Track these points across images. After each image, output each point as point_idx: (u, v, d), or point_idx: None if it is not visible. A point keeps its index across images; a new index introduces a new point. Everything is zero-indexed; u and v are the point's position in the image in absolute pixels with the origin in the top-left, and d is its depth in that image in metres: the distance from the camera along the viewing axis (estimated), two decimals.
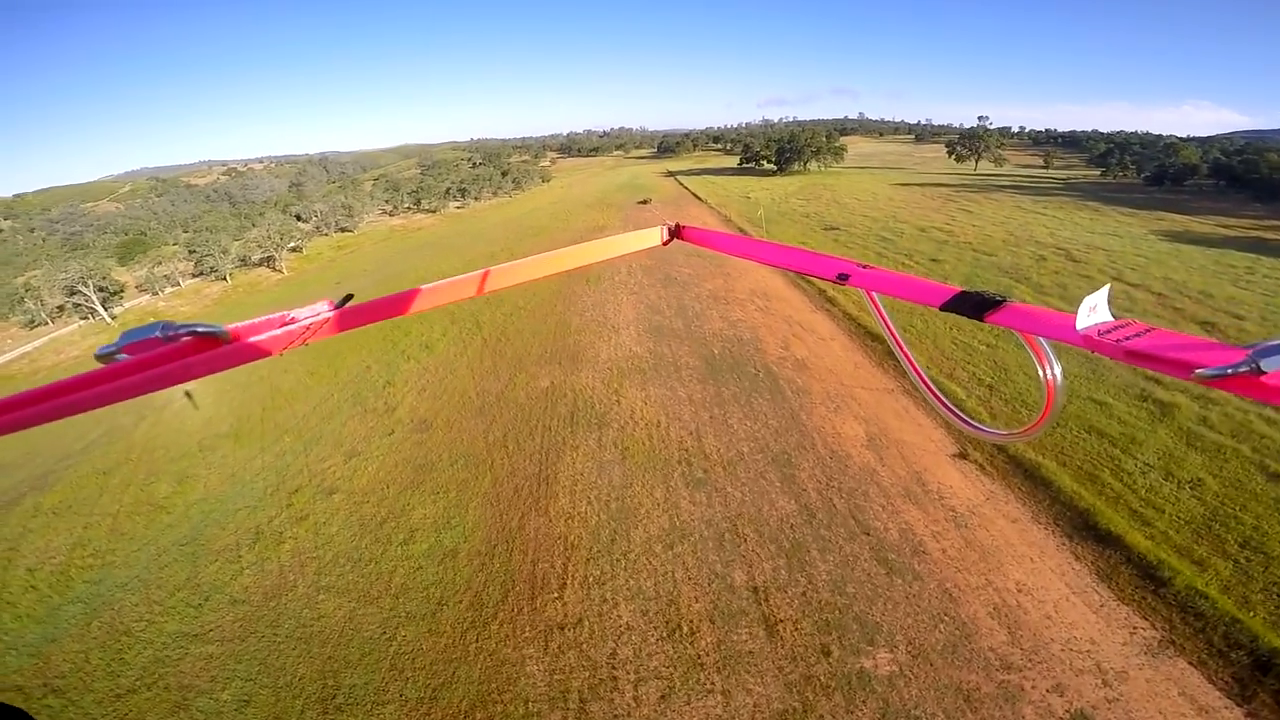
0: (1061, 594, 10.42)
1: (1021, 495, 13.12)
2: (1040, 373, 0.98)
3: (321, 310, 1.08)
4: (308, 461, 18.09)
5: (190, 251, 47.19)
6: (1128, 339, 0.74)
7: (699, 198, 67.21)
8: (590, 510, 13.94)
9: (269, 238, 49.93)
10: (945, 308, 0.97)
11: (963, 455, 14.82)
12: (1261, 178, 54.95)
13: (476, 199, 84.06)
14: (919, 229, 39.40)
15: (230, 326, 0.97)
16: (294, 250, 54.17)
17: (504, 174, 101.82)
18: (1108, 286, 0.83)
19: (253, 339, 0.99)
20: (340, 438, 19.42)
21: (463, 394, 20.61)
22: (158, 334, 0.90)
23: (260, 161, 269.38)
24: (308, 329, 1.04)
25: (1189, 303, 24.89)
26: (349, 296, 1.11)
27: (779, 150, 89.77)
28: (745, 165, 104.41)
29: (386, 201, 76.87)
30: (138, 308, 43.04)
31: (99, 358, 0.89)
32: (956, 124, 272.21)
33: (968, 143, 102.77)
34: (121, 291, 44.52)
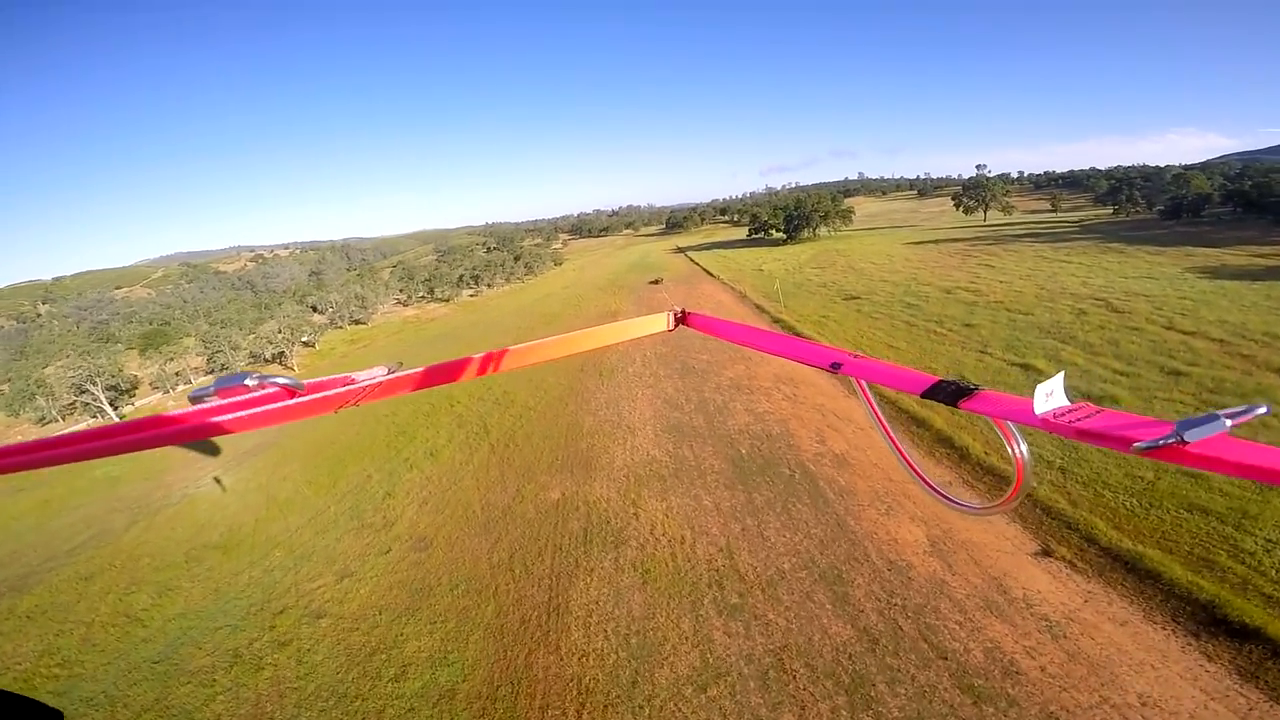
0: (1198, 701, 8.59)
1: (1127, 593, 11.10)
2: (1010, 451, 1.06)
3: (378, 374, 1.20)
4: (297, 579, 16.66)
5: (205, 345, 47.26)
6: (1079, 420, 0.83)
7: (711, 274, 67.11)
8: (607, 646, 11.97)
9: (281, 332, 50.03)
10: (925, 395, 1.06)
11: (1046, 552, 12.73)
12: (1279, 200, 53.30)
13: (489, 286, 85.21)
14: (944, 290, 38.00)
15: (305, 382, 1.11)
16: (306, 345, 54.19)
17: (517, 259, 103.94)
18: (1061, 374, 0.90)
19: (319, 395, 1.10)
20: (333, 555, 17.89)
21: (466, 507, 18.97)
22: (247, 381, 1.03)
23: (285, 248, 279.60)
24: (364, 390, 1.16)
25: (1257, 348, 22.61)
26: (400, 363, 1.22)
27: (787, 218, 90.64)
28: (754, 236, 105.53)
29: (400, 290, 78.04)
30: (148, 407, 42.57)
31: (192, 399, 1.00)
32: (955, 174, 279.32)
33: (973, 193, 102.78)
34: (134, 389, 44.32)
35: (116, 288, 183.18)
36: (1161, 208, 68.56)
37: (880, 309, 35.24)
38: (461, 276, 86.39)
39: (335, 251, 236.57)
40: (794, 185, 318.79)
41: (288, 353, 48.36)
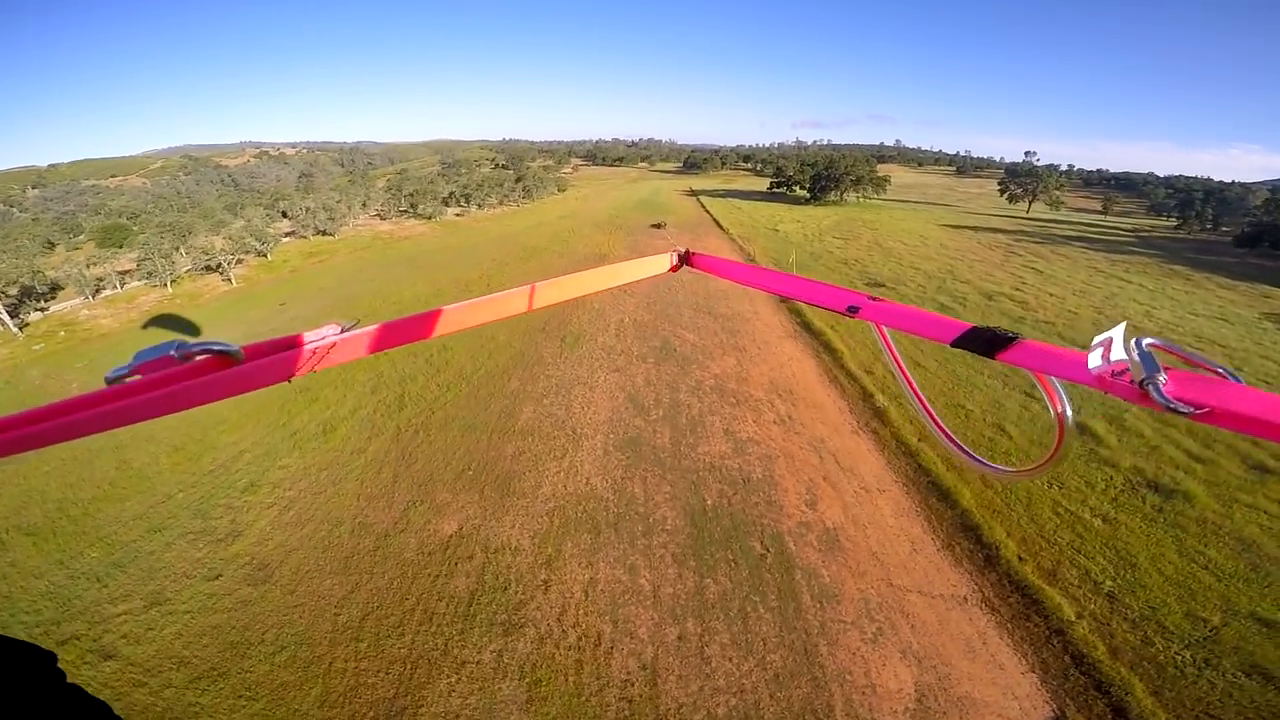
0: None
1: None
2: (1051, 410, 0.98)
3: (329, 333, 1.07)
4: (101, 597, 12.86)
5: (140, 248, 41.88)
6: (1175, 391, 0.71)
7: (721, 226, 60.94)
8: None
9: (226, 240, 44.51)
10: (956, 344, 0.98)
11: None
12: None
13: (479, 206, 78.58)
14: (984, 295, 32.72)
15: (243, 346, 0.96)
16: (260, 255, 48.74)
17: (518, 180, 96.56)
18: (1122, 325, 0.81)
19: (266, 360, 0.98)
20: (154, 567, 13.75)
21: (334, 526, 14.56)
22: (172, 353, 0.90)
23: (294, 146, 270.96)
24: (315, 353, 1.03)
25: None
26: (357, 321, 1.11)
27: (815, 177, 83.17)
28: (776, 190, 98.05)
29: (384, 204, 71.57)
30: (58, 315, 37.65)
31: (109, 381, 0.87)
32: (998, 158, 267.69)
33: (1022, 181, 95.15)
34: (53, 294, 39.18)
35: (111, 176, 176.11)
36: (1238, 232, 61.50)
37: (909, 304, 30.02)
38: (452, 194, 79.60)
39: (345, 153, 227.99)
40: (826, 143, 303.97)
41: (225, 265, 42.82)
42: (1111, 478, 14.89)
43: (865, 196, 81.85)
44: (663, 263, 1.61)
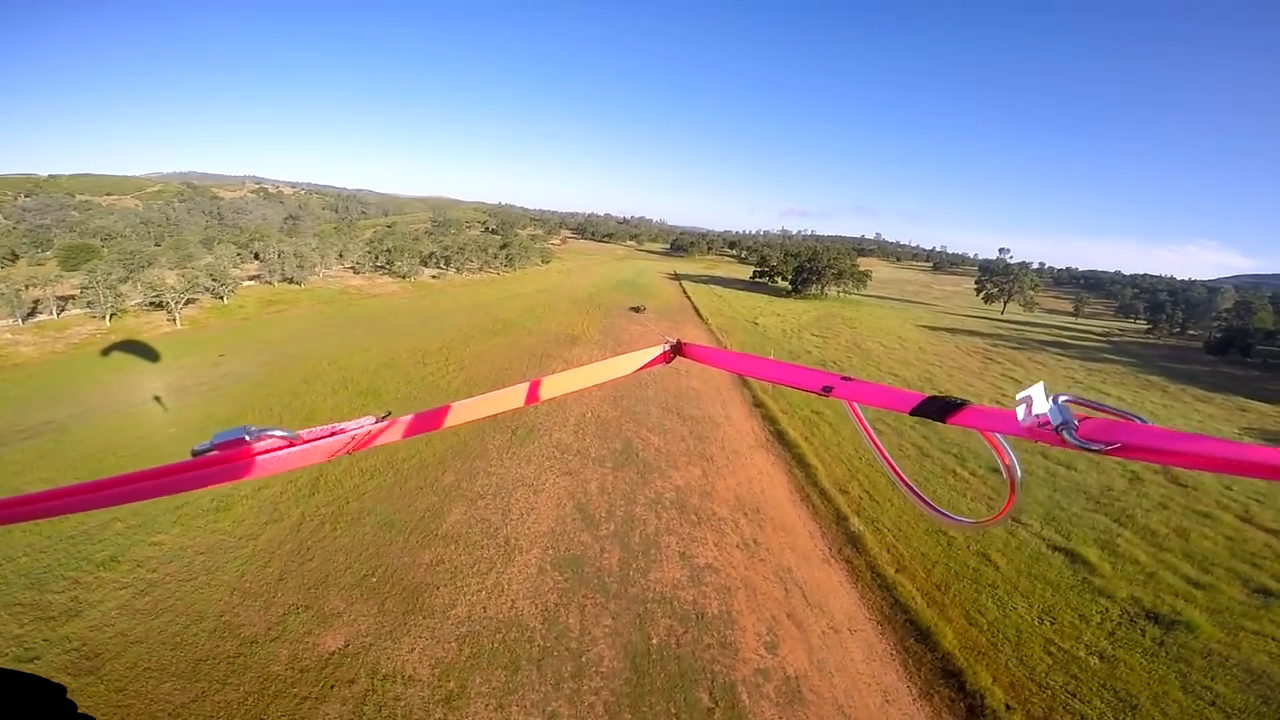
0: None
1: None
2: (1002, 467, 1.12)
3: (366, 424, 1.25)
4: None
5: (86, 276, 39.21)
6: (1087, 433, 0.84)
7: (700, 315, 60.40)
8: None
9: (188, 278, 42.15)
10: (914, 412, 1.12)
11: None
12: None
13: (459, 270, 77.61)
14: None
15: (300, 432, 1.16)
16: (217, 298, 46.34)
17: (503, 247, 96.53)
18: (1040, 384, 0.93)
19: (311, 445, 1.16)
20: None
21: (194, 621, 12.14)
22: (244, 436, 1.09)
23: (294, 186, 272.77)
24: (352, 440, 1.21)
25: None
26: (389, 413, 1.28)
27: (798, 269, 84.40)
28: (758, 280, 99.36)
29: (360, 257, 70.11)
30: None
31: (195, 454, 1.07)
32: (972, 254, 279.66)
33: (999, 282, 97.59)
34: None
35: (107, 194, 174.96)
36: (1208, 338, 61.93)
37: (887, 421, 28.53)
38: (432, 254, 78.72)
39: (340, 199, 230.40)
40: (810, 233, 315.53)
41: (173, 304, 40.32)
42: (1107, 610, 13.84)
43: (846, 291, 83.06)
44: (655, 353, 1.70)
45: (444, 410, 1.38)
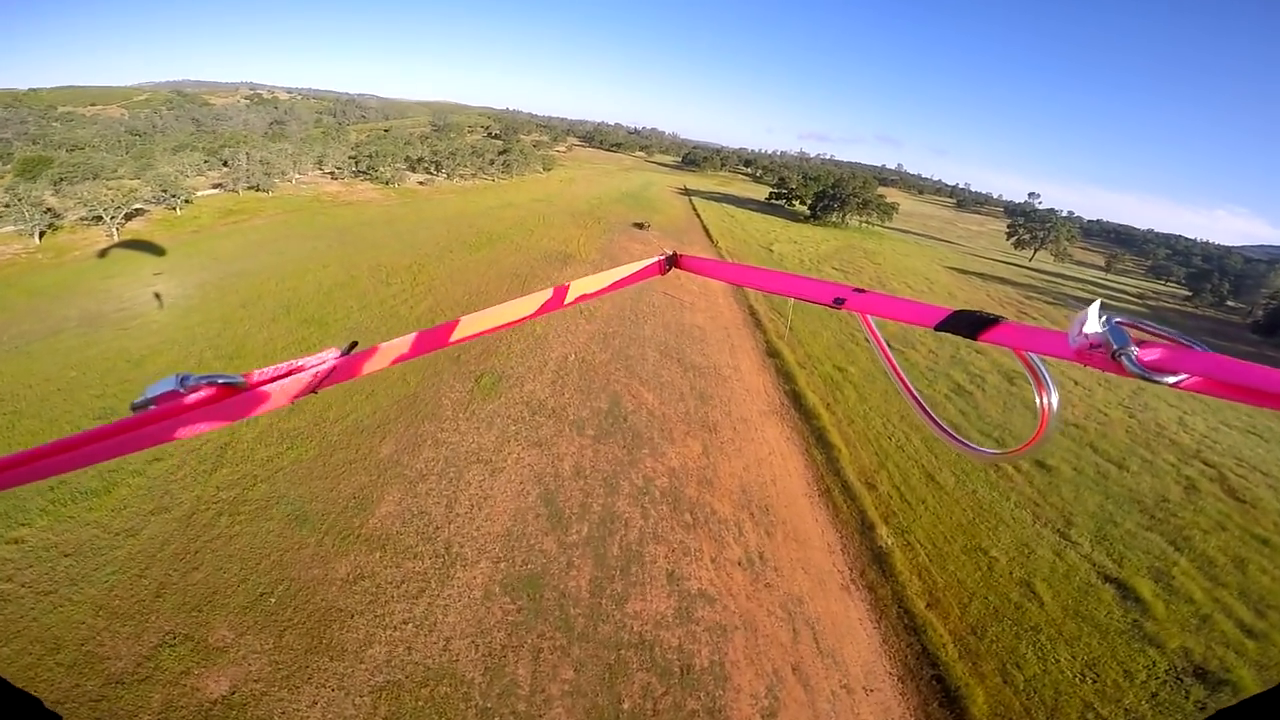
0: None
1: None
2: (1036, 394, 1.02)
3: (328, 358, 1.11)
4: None
5: (5, 192, 34.21)
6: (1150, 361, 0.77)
7: (710, 235, 55.04)
8: None
9: (120, 190, 37.12)
10: (940, 328, 1.04)
11: None
12: None
13: (449, 176, 71.34)
14: (1005, 376, 27.53)
15: (246, 375, 1.02)
16: (169, 208, 41.46)
17: (501, 153, 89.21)
18: (1097, 303, 0.86)
19: (266, 388, 1.02)
20: None
21: (49, 651, 9.61)
22: (175, 386, 0.96)
23: (290, 92, 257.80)
24: (315, 377, 1.07)
25: None
26: (354, 343, 1.14)
27: (819, 194, 77.75)
28: (774, 201, 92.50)
29: (340, 162, 63.87)
30: None
31: (134, 408, 0.95)
32: (996, 194, 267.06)
33: (1033, 228, 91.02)
34: None
35: (91, 104, 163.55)
36: (1251, 312, 57.15)
37: (920, 382, 24.53)
38: (421, 159, 72.16)
39: (338, 104, 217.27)
40: (830, 158, 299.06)
41: (108, 218, 35.48)
42: (1155, 664, 11.89)
43: (868, 222, 76.81)
44: (651, 265, 1.60)
45: (451, 325, 1.24)
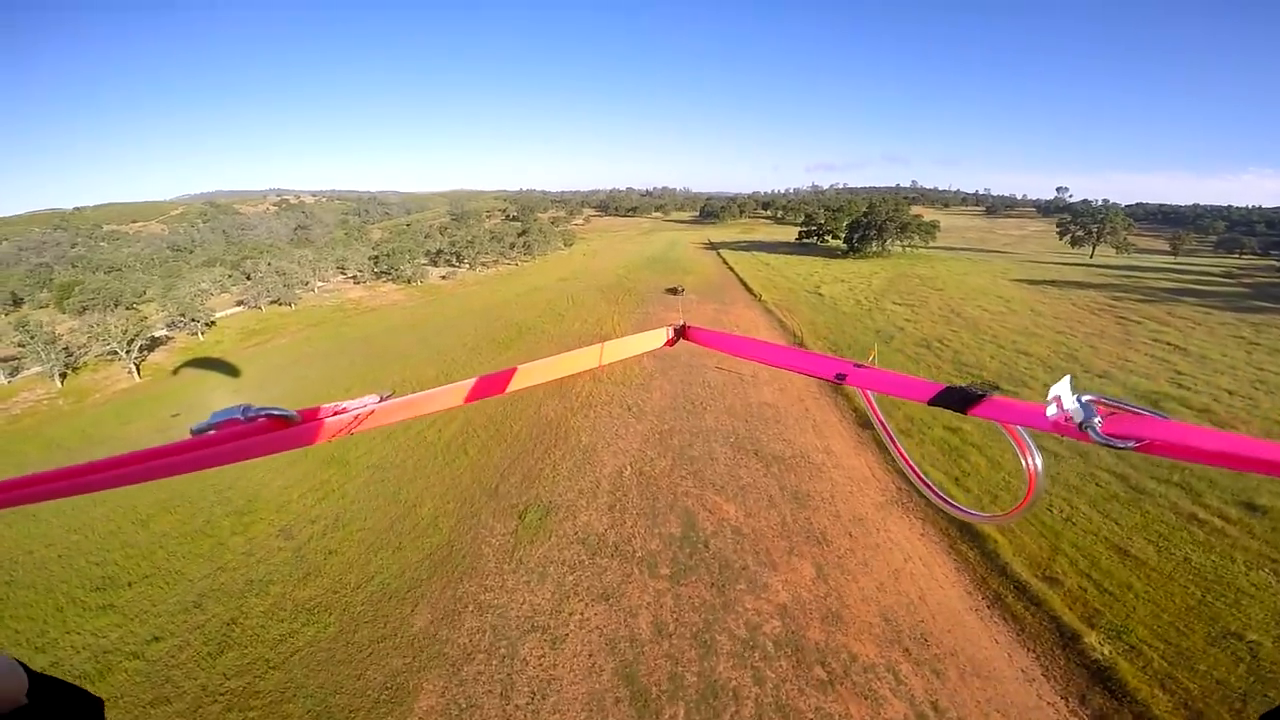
0: None
1: None
2: (1023, 461, 1.11)
3: (369, 403, 1.19)
4: None
5: (17, 330, 33.87)
6: (1111, 430, 0.84)
7: (750, 289, 52.11)
8: None
9: (138, 320, 36.64)
10: (933, 402, 1.07)
11: None
12: None
13: (472, 266, 71.11)
14: (1149, 400, 23.09)
15: (298, 410, 1.11)
16: (194, 334, 40.91)
17: (520, 234, 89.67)
18: (1067, 379, 0.92)
19: (311, 424, 1.12)
20: None
21: None
22: (239, 415, 1.05)
23: (315, 195, 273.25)
24: (356, 419, 1.15)
25: None
26: (392, 391, 1.22)
27: (852, 225, 74.77)
28: (805, 241, 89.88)
29: (361, 266, 64.17)
30: None
31: (194, 432, 1.03)
32: (1020, 195, 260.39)
33: (1084, 223, 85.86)
34: None
35: (132, 221, 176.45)
36: None
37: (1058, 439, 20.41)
38: (440, 251, 72.41)
39: (361, 203, 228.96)
40: (842, 186, 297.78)
41: (123, 353, 34.67)
42: None
43: (911, 246, 73.03)
44: (659, 338, 1.64)
45: (452, 391, 1.30)
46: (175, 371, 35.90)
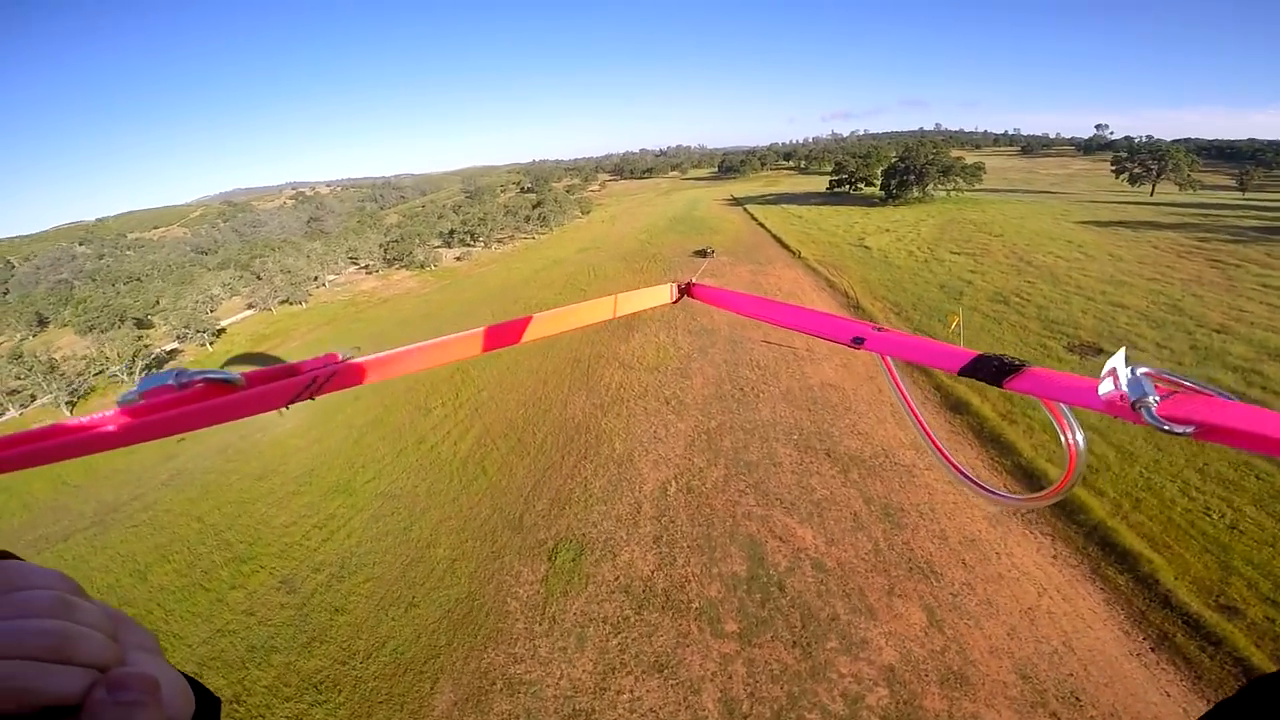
0: None
1: None
2: (1062, 438, 0.98)
3: (329, 362, 1.09)
4: None
5: (15, 361, 32.64)
6: (1155, 402, 0.76)
7: (786, 246, 48.49)
8: None
9: (132, 340, 35.16)
10: (963, 372, 0.99)
11: None
12: None
13: (487, 245, 68.61)
14: (1273, 355, 19.81)
15: (245, 373, 1.00)
16: (204, 345, 39.63)
17: (535, 206, 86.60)
18: (1122, 351, 0.85)
19: (262, 388, 1.00)
20: None
21: None
22: (170, 381, 0.94)
23: (330, 185, 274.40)
24: (314, 381, 1.05)
25: None
26: (358, 348, 1.15)
27: (889, 171, 69.71)
28: (836, 190, 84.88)
29: (374, 253, 62.19)
30: None
31: (120, 404, 0.93)
32: (1051, 134, 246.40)
33: (1143, 160, 78.99)
34: None
35: (154, 227, 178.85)
36: None
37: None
38: (453, 231, 69.98)
39: (376, 188, 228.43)
40: (863, 133, 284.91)
41: (123, 376, 33.20)
42: None
43: (955, 189, 67.58)
44: (663, 294, 1.55)
45: (408, 353, 1.18)
46: None
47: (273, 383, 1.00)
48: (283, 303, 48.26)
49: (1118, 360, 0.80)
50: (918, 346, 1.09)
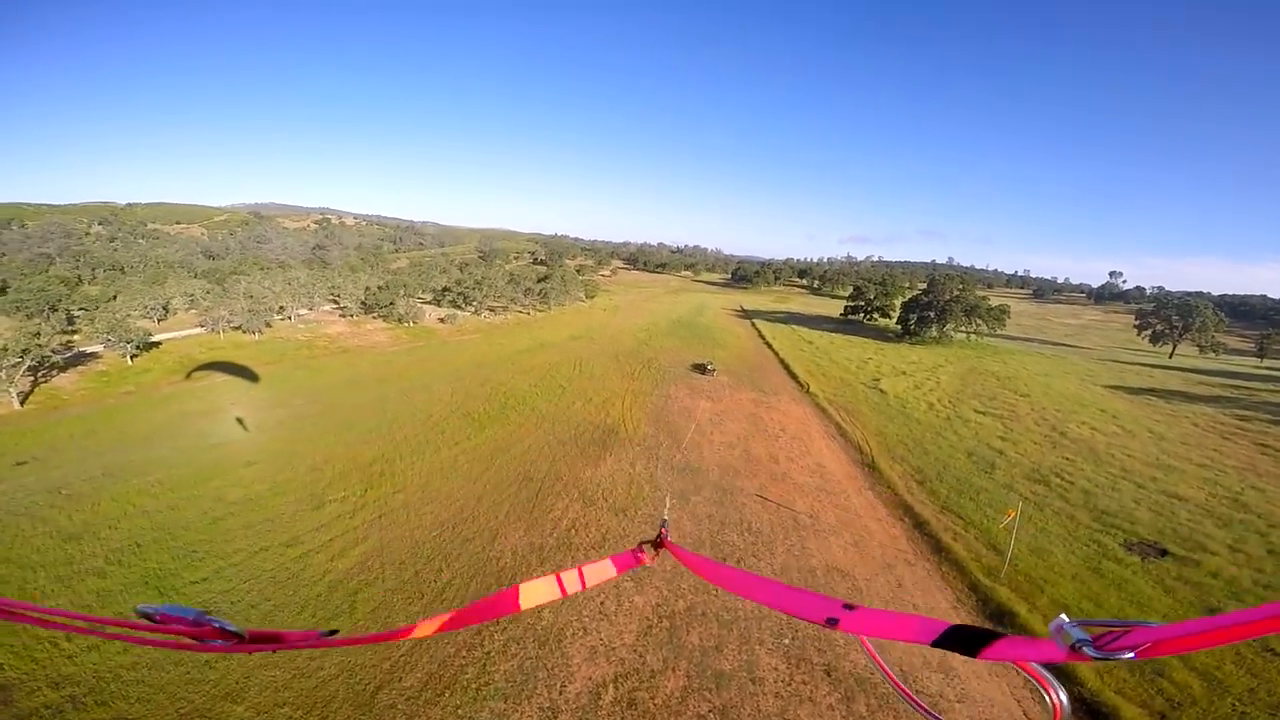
0: None
1: None
2: (1047, 699, 1.05)
3: (309, 638, 1.24)
4: None
5: None
6: (1107, 642, 0.91)
7: (793, 374, 45.02)
8: None
9: (30, 334, 30.80)
10: (937, 644, 1.02)
11: None
12: None
13: (478, 311, 65.44)
14: None
15: (249, 630, 1.16)
16: (122, 356, 35.33)
17: (540, 280, 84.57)
18: (1062, 614, 0.95)
19: (252, 646, 1.18)
20: None
21: None
22: (190, 617, 1.12)
23: (358, 218, 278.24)
24: (303, 647, 1.23)
25: None
26: (336, 631, 1.25)
27: (909, 304, 67.49)
28: (850, 318, 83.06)
29: (356, 295, 58.77)
30: None
31: (139, 614, 1.12)
32: (1060, 278, 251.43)
33: (1168, 317, 77.44)
34: None
35: (176, 222, 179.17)
36: None
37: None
38: (446, 289, 67.10)
39: (399, 230, 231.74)
40: (878, 259, 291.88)
41: (6, 375, 28.72)
42: None
43: (976, 333, 64.78)
44: (627, 557, 1.56)
45: (400, 633, 1.33)
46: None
47: (266, 644, 1.18)
48: (235, 329, 44.18)
49: (1060, 618, 0.92)
50: (892, 622, 1.10)
